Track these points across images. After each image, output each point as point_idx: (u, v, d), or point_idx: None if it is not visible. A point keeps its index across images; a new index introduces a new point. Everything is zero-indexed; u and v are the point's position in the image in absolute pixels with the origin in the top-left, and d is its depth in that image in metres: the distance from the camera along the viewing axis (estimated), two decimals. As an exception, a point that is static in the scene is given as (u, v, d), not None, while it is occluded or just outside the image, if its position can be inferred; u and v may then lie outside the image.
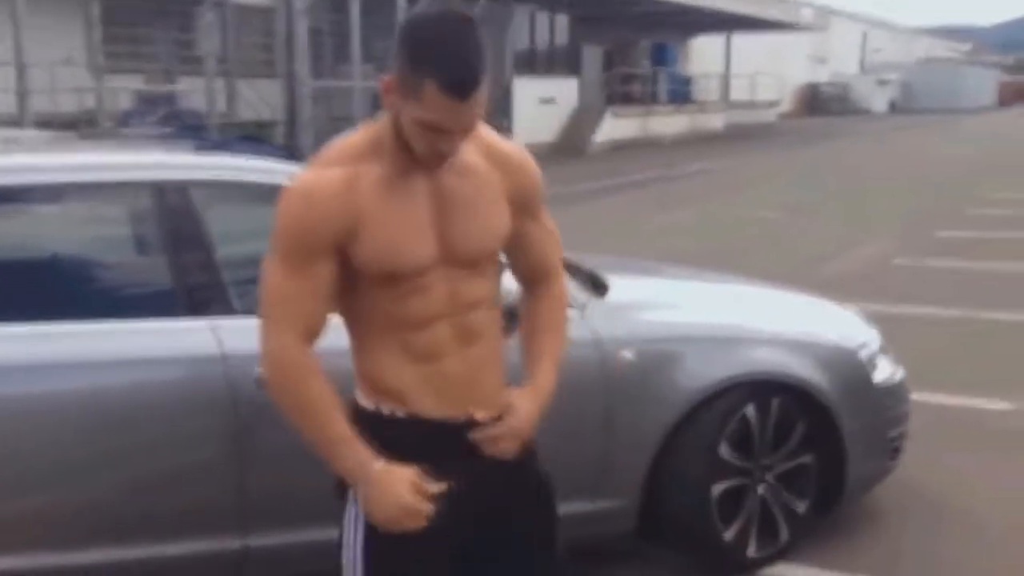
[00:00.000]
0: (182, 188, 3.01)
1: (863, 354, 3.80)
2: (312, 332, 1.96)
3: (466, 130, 1.89)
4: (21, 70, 15.69)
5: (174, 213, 2.98)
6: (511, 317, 2.20)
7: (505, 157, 2.07)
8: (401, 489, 1.94)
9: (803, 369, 3.59)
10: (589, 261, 4.07)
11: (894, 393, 3.90)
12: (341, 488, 2.05)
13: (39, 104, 16.03)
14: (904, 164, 21.68)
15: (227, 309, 2.96)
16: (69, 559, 2.80)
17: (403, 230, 1.95)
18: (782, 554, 3.65)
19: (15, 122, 15.18)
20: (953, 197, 15.06)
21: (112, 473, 2.84)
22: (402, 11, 18.12)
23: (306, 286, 1.93)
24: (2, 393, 2.73)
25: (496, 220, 2.05)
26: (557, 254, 2.22)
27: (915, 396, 4.12)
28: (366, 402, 2.04)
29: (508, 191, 2.05)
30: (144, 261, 3.11)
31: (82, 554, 2.81)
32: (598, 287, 3.63)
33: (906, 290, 8.47)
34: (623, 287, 3.72)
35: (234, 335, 2.86)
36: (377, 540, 2.00)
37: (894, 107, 54.24)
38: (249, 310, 2.95)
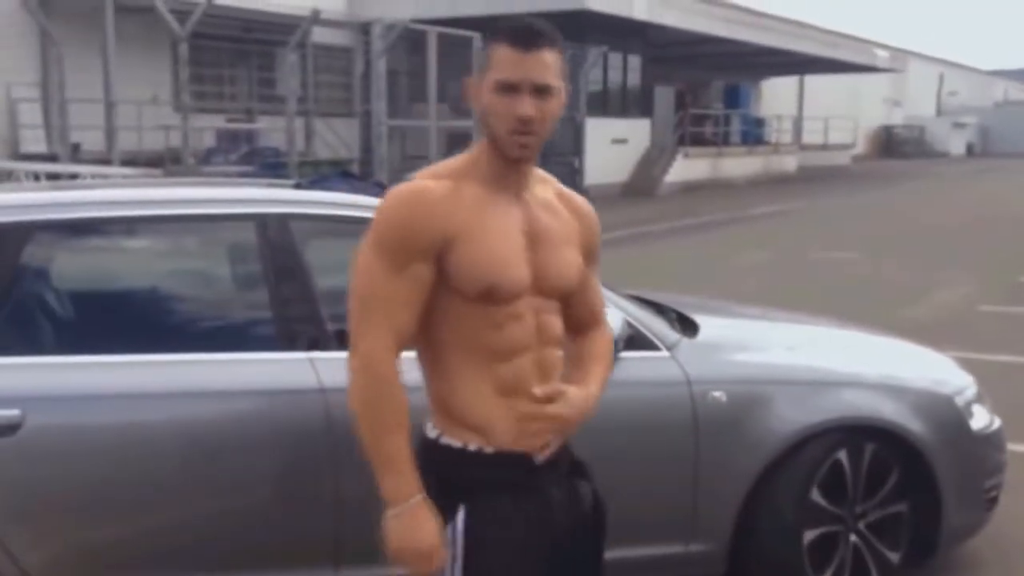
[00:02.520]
0: (283, 222, 3.07)
1: (959, 400, 3.72)
2: (404, 340, 2.01)
3: (535, 88, 1.97)
4: (110, 108, 16.20)
5: (276, 247, 3.04)
6: None
7: (577, 205, 2.23)
8: (431, 529, 1.97)
9: (897, 414, 3.52)
10: (674, 300, 4.07)
11: (991, 441, 3.80)
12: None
13: (125, 142, 16.52)
14: (982, 208, 21.21)
15: (326, 343, 3.00)
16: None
17: (502, 248, 2.02)
18: (875, 604, 3.56)
19: (103, 159, 15.68)
20: (1036, 243, 14.70)
21: (209, 503, 2.88)
22: (478, 52, 18.35)
23: (405, 287, 1.98)
24: (105, 421, 2.80)
25: (575, 258, 2.17)
26: (603, 303, 2.35)
27: (1011, 446, 4.01)
28: (449, 439, 2.07)
29: (579, 236, 2.19)
30: (246, 294, 3.18)
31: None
32: (687, 327, 3.61)
33: (993, 337, 8.26)
34: (712, 327, 3.70)
35: (332, 368, 2.91)
36: (476, 566, 2.02)
37: (971, 150, 53.26)
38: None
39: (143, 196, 3.18)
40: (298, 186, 3.51)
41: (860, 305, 9.29)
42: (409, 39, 19.71)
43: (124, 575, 2.84)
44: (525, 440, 2.06)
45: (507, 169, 2.05)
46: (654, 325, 3.40)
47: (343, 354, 2.94)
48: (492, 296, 2.01)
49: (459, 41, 18.56)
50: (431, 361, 2.08)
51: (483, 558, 2.02)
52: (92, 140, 16.46)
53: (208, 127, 18.65)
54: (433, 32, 19.00)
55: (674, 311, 3.78)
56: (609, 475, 2.68)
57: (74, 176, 12.32)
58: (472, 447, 2.05)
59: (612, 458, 3.08)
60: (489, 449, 2.03)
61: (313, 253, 3.12)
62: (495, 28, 2.00)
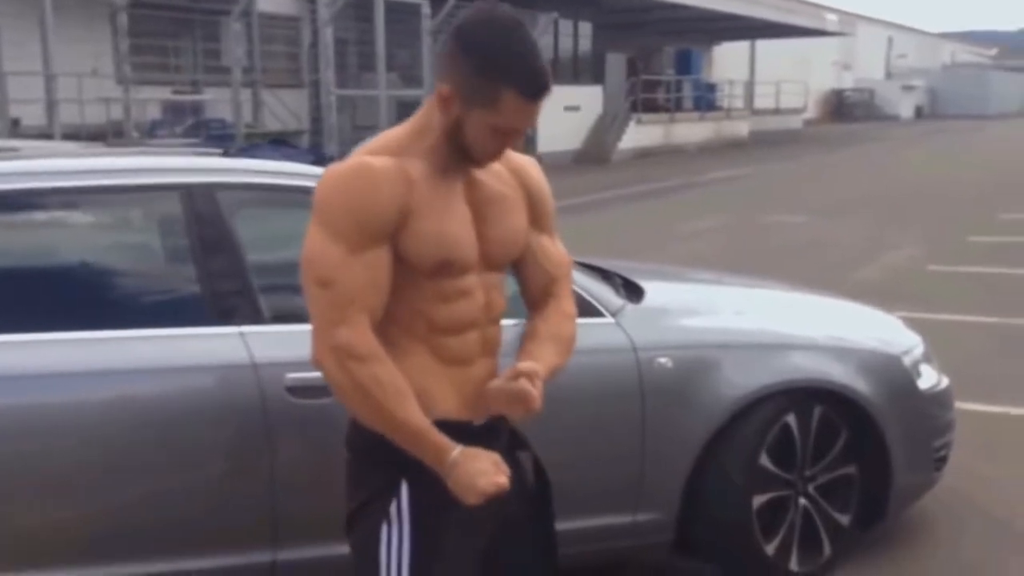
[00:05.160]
0: (209, 191, 2.94)
1: (907, 360, 3.69)
2: (376, 320, 1.93)
3: (531, 127, 1.99)
4: (49, 81, 15.78)
5: (202, 218, 2.92)
6: None
7: (519, 165, 2.14)
8: (486, 464, 1.93)
9: (845, 376, 3.48)
10: (621, 266, 4.00)
11: (939, 401, 3.78)
12: (354, 519, 2.06)
13: (67, 115, 16.12)
14: (932, 169, 21.44)
15: (256, 316, 2.89)
16: (93, 572, 2.73)
17: (452, 223, 1.97)
18: (825, 569, 3.54)
19: (44, 133, 15.27)
20: (983, 203, 14.86)
21: (139, 484, 2.77)
22: (426, 19, 18.11)
23: (371, 270, 1.91)
24: (26, 402, 2.67)
25: (521, 223, 2.10)
26: (567, 275, 2.23)
27: (959, 404, 4.00)
28: None
29: (524, 198, 2.12)
30: (173, 267, 3.05)
31: (107, 567, 2.74)
32: (632, 292, 3.54)
33: (942, 296, 8.32)
34: (658, 292, 3.63)
35: (264, 342, 2.80)
36: (423, 550, 1.98)
37: (920, 113, 53.83)
38: (278, 317, 2.93)
39: (58, 167, 3.02)
40: (225, 154, 3.38)
41: (810, 268, 9.33)
42: (357, 6, 19.41)
43: (49, 562, 2.71)
44: (467, 409, 2.02)
45: (461, 158, 1.98)
46: (598, 291, 3.32)
47: (276, 327, 2.91)
48: (444, 271, 1.96)
49: (407, 8, 18.31)
50: (379, 335, 1.99)
51: (430, 531, 1.98)
52: (32, 115, 16.02)
53: (153, 99, 18.25)
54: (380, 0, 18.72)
55: (620, 276, 3.70)
56: (553, 445, 2.63)
57: (13, 151, 11.97)
58: None
59: (556, 428, 3.01)
60: (429, 419, 1.97)
61: (243, 223, 2.99)
62: (503, 68, 1.86)
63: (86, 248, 3.04)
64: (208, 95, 19.61)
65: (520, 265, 2.15)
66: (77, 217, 3.00)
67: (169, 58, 20.31)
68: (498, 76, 1.85)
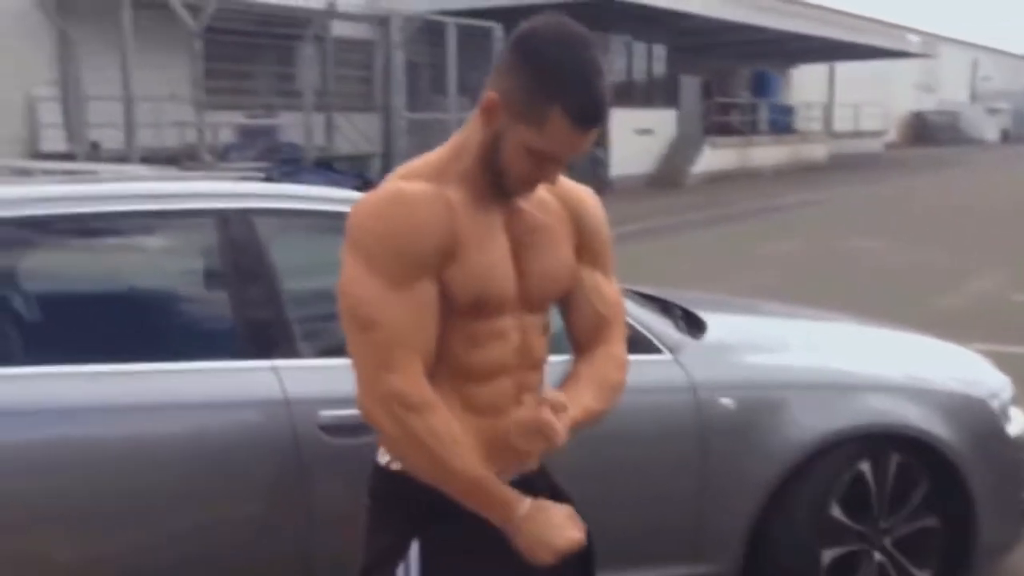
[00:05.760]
0: (246, 217, 2.81)
1: (994, 403, 3.41)
2: (429, 363, 1.74)
3: (574, 159, 1.76)
4: (128, 104, 16.08)
5: (238, 245, 2.79)
6: None
7: (569, 194, 1.92)
8: (560, 518, 1.77)
9: (926, 420, 3.21)
10: (683, 297, 3.79)
11: (1030, 448, 3.48)
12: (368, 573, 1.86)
13: (145, 139, 16.40)
14: (1017, 194, 20.68)
15: (291, 350, 2.75)
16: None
17: (492, 257, 1.77)
18: (903, 629, 3.26)
19: (122, 157, 15.55)
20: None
21: (166, 525, 2.64)
22: (498, 42, 18.09)
23: (418, 307, 1.71)
24: (48, 437, 2.56)
25: (566, 258, 1.89)
26: (620, 319, 2.00)
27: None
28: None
29: (575, 233, 1.91)
30: (205, 297, 2.93)
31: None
32: (694, 326, 3.32)
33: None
34: (721, 327, 3.41)
35: (297, 377, 2.66)
36: None
37: (1006, 136, 52.29)
38: (314, 351, 2.79)
39: (91, 192, 2.93)
40: (268, 179, 3.26)
41: (889, 296, 8.96)
42: (429, 31, 19.50)
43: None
44: (496, 464, 1.80)
45: (494, 183, 1.78)
46: (655, 325, 3.11)
47: (311, 362, 2.76)
48: (479, 310, 1.76)
49: (479, 32, 18.34)
50: None
51: None
52: (111, 138, 16.33)
53: (227, 123, 18.50)
54: (452, 24, 18.77)
55: (680, 308, 3.49)
56: (603, 491, 2.44)
57: (92, 174, 12.18)
58: None
59: (606, 472, 2.84)
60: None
61: (281, 251, 2.86)
62: (558, 84, 1.67)
63: (112, 276, 2.93)
64: (281, 119, 19.82)
65: (568, 304, 1.94)
66: (104, 244, 2.89)
67: (244, 82, 20.60)
68: (552, 91, 1.66)
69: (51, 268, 2.91)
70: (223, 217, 2.79)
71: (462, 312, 1.76)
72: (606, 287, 1.97)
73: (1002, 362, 3.81)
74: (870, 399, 3.24)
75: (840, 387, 3.24)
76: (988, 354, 3.90)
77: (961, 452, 3.22)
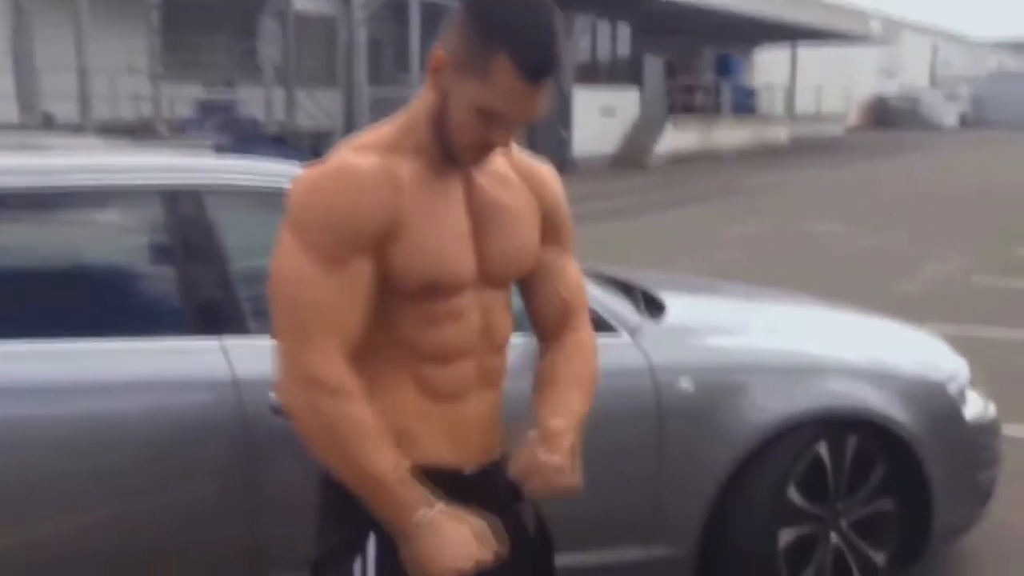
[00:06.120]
0: (194, 194, 2.72)
1: (952, 387, 3.40)
2: (353, 348, 1.64)
3: (525, 122, 1.64)
4: (83, 76, 15.75)
5: (186, 221, 2.70)
6: None
7: (532, 171, 1.84)
8: (463, 533, 1.63)
9: (884, 403, 3.20)
10: (642, 278, 3.75)
11: (986, 431, 3.49)
12: (318, 567, 1.76)
13: (100, 111, 16.09)
14: (977, 179, 20.90)
15: (240, 328, 2.67)
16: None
17: (445, 235, 1.68)
18: (858, 610, 3.26)
19: (77, 129, 15.25)
20: (1031, 214, 14.40)
21: (110, 508, 2.56)
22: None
23: (349, 287, 1.62)
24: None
25: (530, 237, 1.80)
26: (583, 299, 1.92)
27: (1005, 426, 3.70)
28: None
29: (535, 209, 1.81)
30: (151, 274, 2.83)
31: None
32: (652, 308, 3.28)
33: (987, 310, 7.97)
34: (681, 308, 3.37)
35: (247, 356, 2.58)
36: None
37: (965, 121, 52.87)
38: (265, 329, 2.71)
39: (35, 165, 2.82)
40: (219, 152, 3.16)
41: (850, 278, 9.00)
42: (393, 7, 19.29)
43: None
44: (458, 453, 1.74)
45: (449, 160, 1.70)
46: (614, 306, 3.07)
47: (262, 340, 2.69)
48: (433, 291, 1.67)
49: (443, 9, 18.15)
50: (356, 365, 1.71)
51: None
52: (67, 111, 16.00)
53: (184, 96, 18.19)
54: (416, 1, 18.57)
55: (640, 290, 3.45)
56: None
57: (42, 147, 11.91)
58: None
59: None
60: (406, 464, 1.65)
61: (231, 227, 2.78)
62: (503, 31, 1.57)
63: (56, 252, 2.82)
64: (241, 93, 19.53)
65: (530, 288, 1.85)
66: (49, 219, 2.78)
67: (202, 55, 20.26)
68: (496, 37, 1.57)
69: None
70: (170, 191, 2.70)
71: (413, 292, 1.68)
72: (570, 270, 1.89)
73: (961, 344, 3.81)
74: (829, 382, 3.21)
75: (799, 370, 3.22)
76: (948, 336, 3.91)
77: (918, 435, 3.21)
